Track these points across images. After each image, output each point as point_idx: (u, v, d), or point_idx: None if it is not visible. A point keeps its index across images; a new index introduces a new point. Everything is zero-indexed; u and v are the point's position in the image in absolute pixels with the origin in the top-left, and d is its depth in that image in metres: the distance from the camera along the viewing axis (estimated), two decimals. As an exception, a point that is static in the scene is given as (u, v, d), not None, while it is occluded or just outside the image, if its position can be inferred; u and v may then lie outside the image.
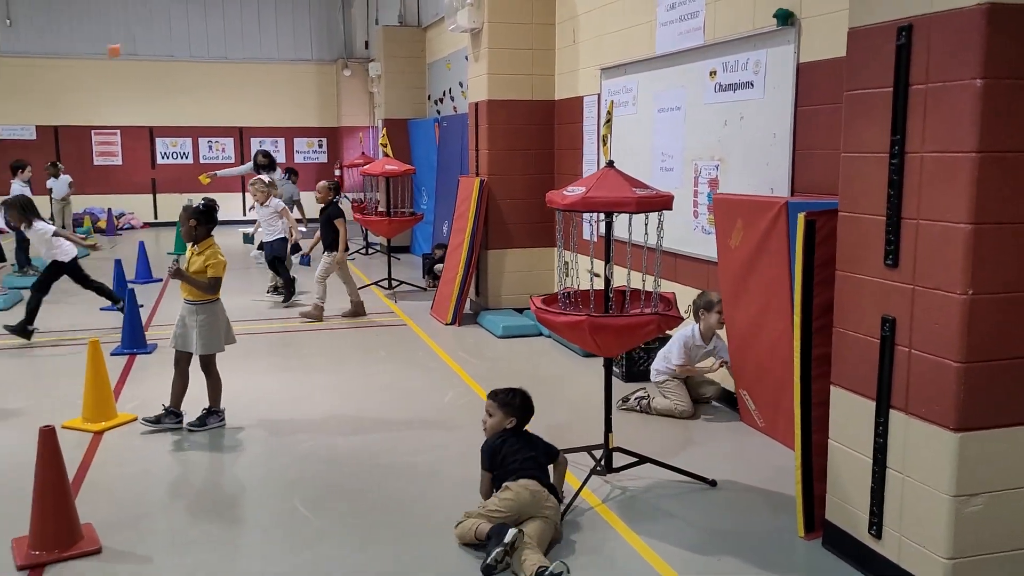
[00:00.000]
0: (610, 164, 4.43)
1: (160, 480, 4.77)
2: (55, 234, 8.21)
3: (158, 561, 3.80)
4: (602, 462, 4.65)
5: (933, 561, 3.23)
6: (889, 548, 3.46)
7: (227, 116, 19.28)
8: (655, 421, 5.69)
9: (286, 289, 9.83)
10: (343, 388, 6.52)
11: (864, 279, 3.51)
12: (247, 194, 17.93)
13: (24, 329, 7.83)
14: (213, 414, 5.53)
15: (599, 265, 4.57)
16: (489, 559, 3.59)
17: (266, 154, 13.36)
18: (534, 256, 8.97)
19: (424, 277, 11.22)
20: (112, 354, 7.22)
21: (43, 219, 8.38)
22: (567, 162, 8.69)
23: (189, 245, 5.48)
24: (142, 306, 7.96)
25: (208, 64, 18.95)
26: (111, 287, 9.56)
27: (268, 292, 10.25)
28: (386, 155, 11.11)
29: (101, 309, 9.38)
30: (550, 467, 4.16)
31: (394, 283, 10.75)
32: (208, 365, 5.49)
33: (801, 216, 3.96)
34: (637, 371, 6.54)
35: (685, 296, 6.06)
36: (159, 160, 19.16)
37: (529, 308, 4.79)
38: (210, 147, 19.41)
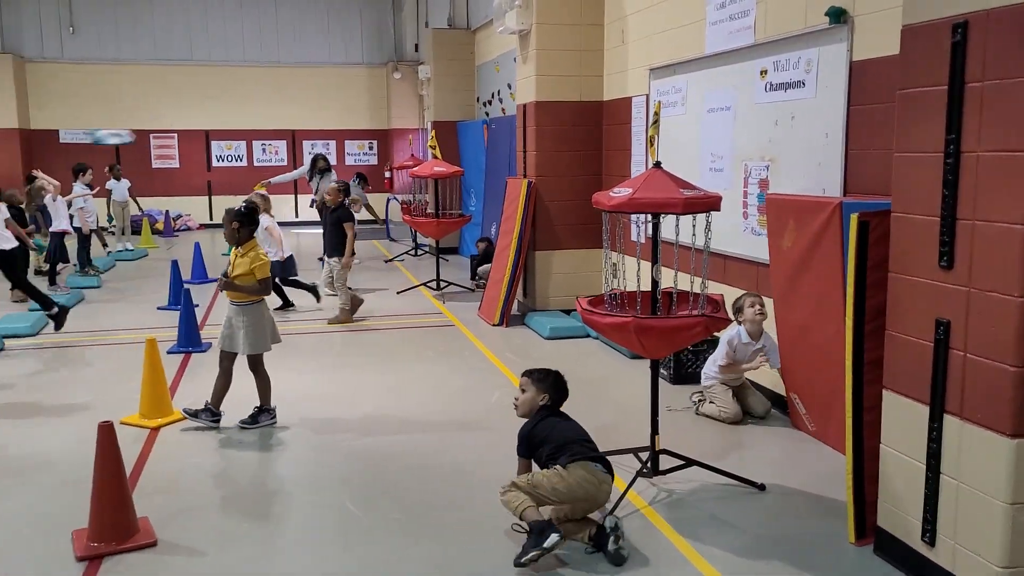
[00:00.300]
0: (657, 165, 4.41)
1: (213, 476, 4.89)
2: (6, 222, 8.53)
3: (211, 555, 3.89)
4: (648, 464, 4.63)
5: (988, 570, 3.16)
6: (943, 556, 3.39)
7: (280, 119, 19.62)
8: (702, 424, 5.64)
9: (283, 304, 9.44)
10: (391, 388, 6.59)
11: (918, 281, 3.45)
12: (303, 196, 18.33)
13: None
14: (264, 412, 5.63)
15: (646, 267, 4.55)
16: (524, 559, 3.60)
17: (325, 158, 13.60)
18: (582, 257, 8.95)
19: (472, 279, 11.28)
20: (168, 352, 7.40)
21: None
22: (615, 163, 8.66)
23: (232, 247, 5.60)
24: (197, 306, 8.14)
25: (262, 68, 19.31)
26: (168, 287, 9.81)
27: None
28: (435, 157, 11.19)
29: (158, 308, 9.62)
30: None
31: (442, 284, 10.83)
32: (256, 364, 5.59)
33: (854, 217, 3.90)
34: (685, 373, 6.49)
35: (734, 298, 6.00)
36: (214, 163, 19.57)
37: (576, 310, 4.79)
38: (263, 150, 19.76)
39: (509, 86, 12.16)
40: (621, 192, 4.29)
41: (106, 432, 3.91)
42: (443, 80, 14.83)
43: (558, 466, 3.83)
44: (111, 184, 14.62)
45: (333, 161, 18.65)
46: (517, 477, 3.90)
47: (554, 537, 3.59)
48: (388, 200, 17.85)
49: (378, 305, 9.85)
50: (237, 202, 6.12)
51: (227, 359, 5.57)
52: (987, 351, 3.13)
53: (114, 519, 3.91)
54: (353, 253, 9.06)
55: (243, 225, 5.49)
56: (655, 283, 4.48)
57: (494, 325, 8.69)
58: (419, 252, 14.59)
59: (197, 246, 12.18)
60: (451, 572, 3.72)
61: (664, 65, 7.43)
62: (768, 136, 5.92)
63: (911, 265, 3.48)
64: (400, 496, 4.52)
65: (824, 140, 5.32)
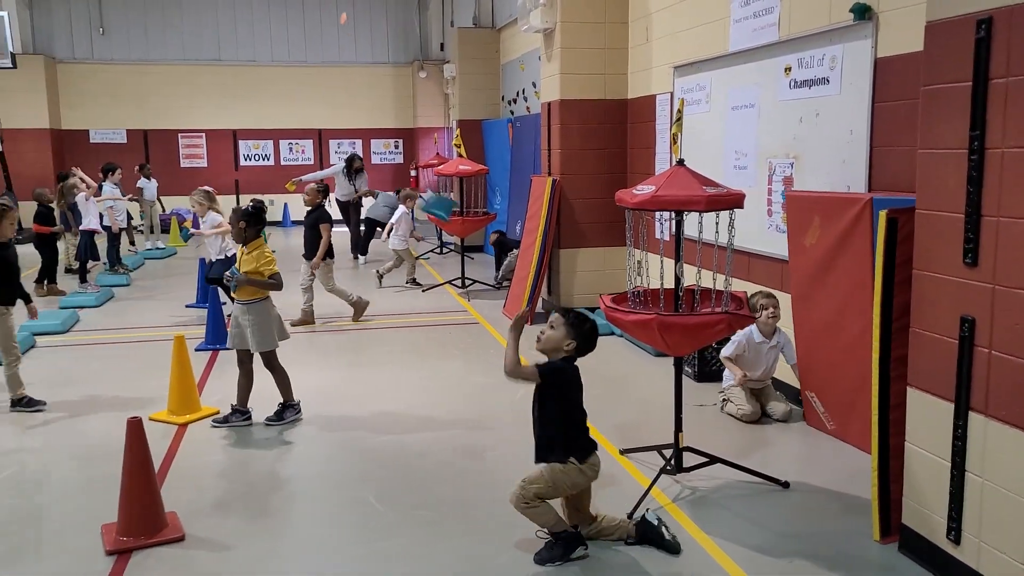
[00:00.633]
0: (680, 163, 4.41)
1: (240, 471, 4.95)
2: None
3: (238, 549, 3.95)
4: (672, 461, 4.63)
5: (1014, 568, 3.13)
6: (968, 554, 3.37)
7: (306, 118, 19.77)
8: (723, 422, 5.63)
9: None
10: (416, 385, 6.64)
11: (942, 278, 3.42)
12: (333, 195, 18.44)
13: None
14: (289, 407, 5.70)
15: (670, 264, 4.55)
16: (547, 564, 3.68)
17: (360, 158, 13.74)
18: (606, 255, 8.95)
19: (496, 273, 11.30)
20: (196, 350, 7.50)
21: None
22: (640, 161, 8.65)
23: (238, 247, 5.66)
24: (224, 303, 8.24)
25: (288, 68, 19.46)
26: (196, 285, 9.94)
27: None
28: (460, 155, 11.23)
29: (186, 306, 9.75)
30: None
31: (467, 282, 10.87)
32: (270, 361, 5.65)
33: (883, 214, 3.87)
34: (709, 371, 6.48)
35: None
36: (242, 162, 19.76)
37: (600, 307, 4.80)
38: (290, 149, 19.92)
39: (534, 84, 12.17)
40: (644, 190, 4.30)
41: (135, 428, 3.98)
42: (468, 79, 14.88)
43: (574, 460, 3.72)
44: (142, 183, 14.85)
45: (358, 160, 18.79)
46: (529, 483, 3.71)
47: (581, 550, 3.70)
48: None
49: (403, 303, 9.91)
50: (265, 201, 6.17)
51: (245, 357, 5.65)
52: (1012, 348, 3.10)
53: (143, 514, 3.98)
54: (331, 256, 8.67)
55: (249, 225, 5.56)
56: (678, 280, 4.48)
57: (518, 323, 8.68)
58: (444, 250, 14.65)
59: (225, 245, 12.31)
60: (478, 566, 3.76)
61: (688, 63, 7.41)
62: (792, 133, 5.89)
63: (935, 262, 3.46)
64: (424, 492, 4.56)
65: (849, 137, 5.29)
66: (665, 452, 4.72)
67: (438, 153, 16.06)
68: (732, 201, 4.26)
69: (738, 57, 6.60)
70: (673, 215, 4.49)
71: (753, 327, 5.64)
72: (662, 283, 4.64)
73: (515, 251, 10.72)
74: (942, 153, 3.38)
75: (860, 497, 4.33)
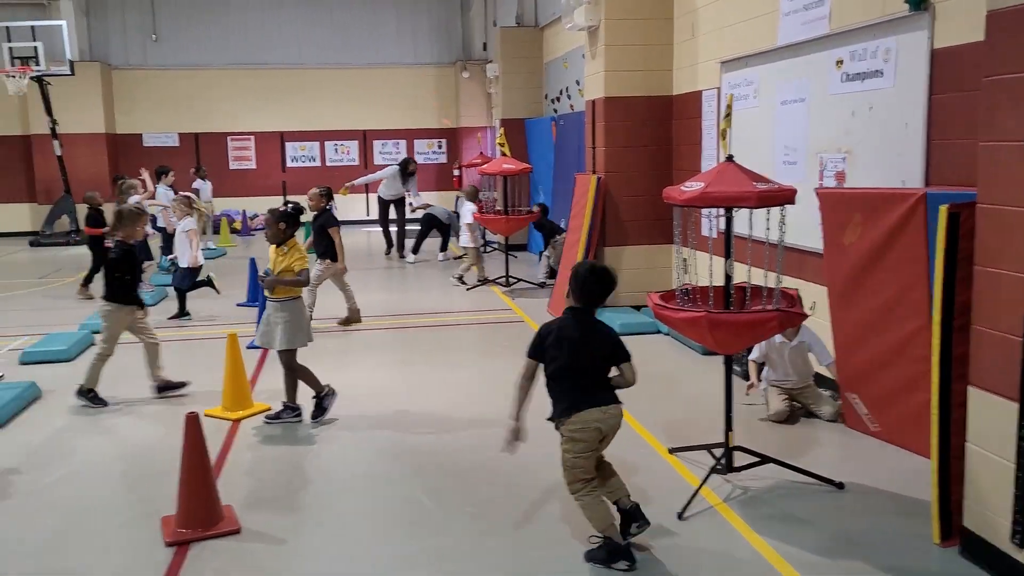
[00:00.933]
0: (730, 158, 4.35)
1: (291, 466, 5.02)
2: None
3: (291, 542, 4.01)
4: (722, 461, 4.58)
5: (1082, 573, 3.04)
6: (1033, 558, 3.28)
7: (351, 120, 19.95)
8: (763, 422, 5.55)
9: (180, 312, 9.31)
10: (462, 383, 6.66)
11: (1005, 274, 3.34)
12: (373, 194, 18.57)
13: None
14: (288, 408, 5.74)
15: (718, 262, 4.50)
16: (592, 564, 3.69)
17: (415, 161, 13.96)
18: (652, 253, 8.88)
19: (543, 256, 11.29)
20: (248, 347, 7.61)
21: None
22: (686, 158, 8.57)
23: (273, 246, 5.74)
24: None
25: (333, 70, 19.66)
26: (247, 284, 10.09)
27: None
28: (504, 154, 11.24)
29: (238, 305, 9.90)
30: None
31: (512, 280, 10.88)
32: (289, 361, 5.68)
33: (943, 208, 3.76)
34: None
35: (810, 293, 5.89)
36: (289, 163, 20.02)
37: (646, 306, 4.76)
38: (336, 150, 20.13)
39: (577, 82, 12.13)
40: (693, 186, 4.25)
41: (192, 423, 4.06)
42: (511, 78, 14.89)
43: (562, 433, 3.75)
44: (198, 183, 15.15)
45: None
46: (566, 471, 3.75)
47: (624, 564, 3.64)
48: (457, 198, 17.98)
49: (447, 302, 9.95)
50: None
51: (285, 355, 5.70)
52: (1080, 346, 3.01)
53: (200, 506, 4.07)
54: (332, 258, 8.52)
55: (289, 226, 5.69)
56: (728, 278, 4.43)
57: (564, 321, 8.67)
58: (488, 249, 14.68)
59: (273, 245, 12.47)
60: (529, 565, 3.76)
61: (735, 58, 7.32)
62: (844, 127, 5.78)
63: (998, 258, 3.37)
64: (473, 491, 4.57)
65: (904, 130, 5.18)
66: (714, 451, 4.67)
67: (481, 152, 16.09)
68: (784, 197, 4.20)
69: (787, 51, 6.50)
70: (722, 212, 4.44)
71: None
72: (711, 280, 4.59)
73: (558, 237, 10.72)
74: (1006, 145, 3.29)
75: (915, 498, 4.24)
